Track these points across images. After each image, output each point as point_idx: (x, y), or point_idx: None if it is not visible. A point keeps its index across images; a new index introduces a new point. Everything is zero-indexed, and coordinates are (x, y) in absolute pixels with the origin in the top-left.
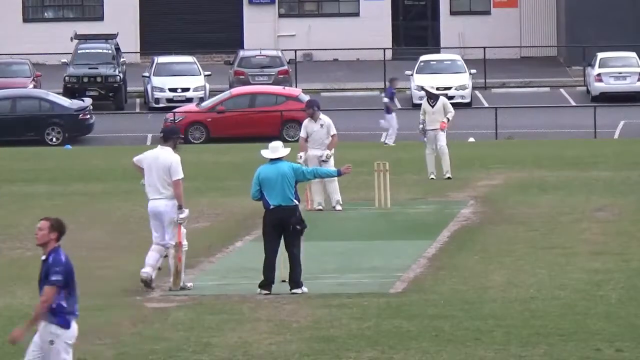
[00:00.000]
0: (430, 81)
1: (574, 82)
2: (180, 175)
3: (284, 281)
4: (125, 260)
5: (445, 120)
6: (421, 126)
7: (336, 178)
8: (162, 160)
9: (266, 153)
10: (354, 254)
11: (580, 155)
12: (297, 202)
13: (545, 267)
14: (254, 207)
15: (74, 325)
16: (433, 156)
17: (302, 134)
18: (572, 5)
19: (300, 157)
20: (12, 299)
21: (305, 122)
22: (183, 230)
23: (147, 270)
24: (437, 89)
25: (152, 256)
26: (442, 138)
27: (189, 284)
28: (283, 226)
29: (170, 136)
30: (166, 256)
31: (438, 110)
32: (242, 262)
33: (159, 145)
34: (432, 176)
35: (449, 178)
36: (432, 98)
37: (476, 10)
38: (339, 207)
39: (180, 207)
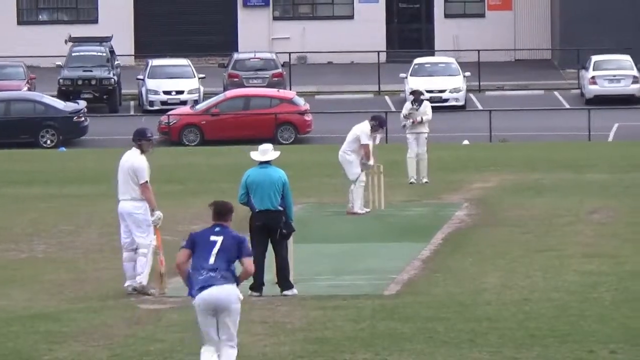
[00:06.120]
0: (422, 84)
1: (568, 84)
2: (144, 178)
3: (277, 283)
4: (119, 262)
5: (420, 119)
6: (404, 118)
7: (363, 185)
8: (127, 162)
9: (255, 155)
10: (349, 256)
11: (575, 157)
12: (282, 208)
13: (539, 269)
14: (248, 209)
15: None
16: (414, 161)
17: (369, 141)
18: (567, 8)
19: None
20: (7, 300)
21: (368, 132)
22: (151, 233)
23: (130, 283)
24: (428, 91)
25: (128, 267)
26: (424, 143)
27: (152, 290)
28: (269, 229)
29: (135, 138)
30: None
31: (421, 113)
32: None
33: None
34: (412, 180)
35: (426, 183)
36: (417, 101)
37: (470, 13)
38: (360, 211)
39: (152, 210)
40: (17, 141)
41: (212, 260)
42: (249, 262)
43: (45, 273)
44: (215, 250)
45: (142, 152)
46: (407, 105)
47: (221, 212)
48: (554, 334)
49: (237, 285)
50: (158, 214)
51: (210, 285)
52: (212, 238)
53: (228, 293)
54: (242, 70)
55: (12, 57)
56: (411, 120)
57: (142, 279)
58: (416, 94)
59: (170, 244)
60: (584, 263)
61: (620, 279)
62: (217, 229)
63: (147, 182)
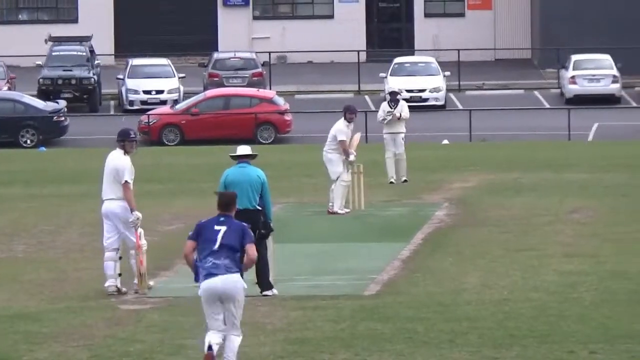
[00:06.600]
0: (402, 84)
1: (548, 84)
2: (125, 178)
3: (257, 283)
4: (100, 262)
5: (399, 114)
6: (383, 117)
7: (344, 185)
8: (111, 162)
9: (232, 152)
10: (328, 256)
11: (554, 157)
12: (260, 207)
13: (519, 269)
14: None
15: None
16: (393, 160)
17: (345, 137)
18: (546, 7)
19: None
20: None
21: (344, 127)
22: (140, 230)
23: (111, 283)
24: (408, 91)
25: (109, 266)
26: (401, 144)
27: (150, 283)
28: None
29: (117, 139)
30: (120, 258)
31: (398, 112)
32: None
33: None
34: (392, 180)
35: (405, 181)
36: (394, 101)
37: (450, 12)
38: (340, 211)
39: (131, 211)
40: None
41: (216, 248)
42: (250, 248)
43: (25, 273)
44: (219, 239)
45: (126, 152)
46: (384, 106)
47: (226, 202)
48: (534, 334)
49: (242, 274)
50: (136, 214)
51: (214, 275)
52: (217, 227)
53: (232, 282)
54: (222, 69)
55: None
56: (391, 116)
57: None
58: (392, 94)
59: (150, 244)
60: (563, 263)
61: (600, 279)
62: (221, 219)
63: (127, 182)
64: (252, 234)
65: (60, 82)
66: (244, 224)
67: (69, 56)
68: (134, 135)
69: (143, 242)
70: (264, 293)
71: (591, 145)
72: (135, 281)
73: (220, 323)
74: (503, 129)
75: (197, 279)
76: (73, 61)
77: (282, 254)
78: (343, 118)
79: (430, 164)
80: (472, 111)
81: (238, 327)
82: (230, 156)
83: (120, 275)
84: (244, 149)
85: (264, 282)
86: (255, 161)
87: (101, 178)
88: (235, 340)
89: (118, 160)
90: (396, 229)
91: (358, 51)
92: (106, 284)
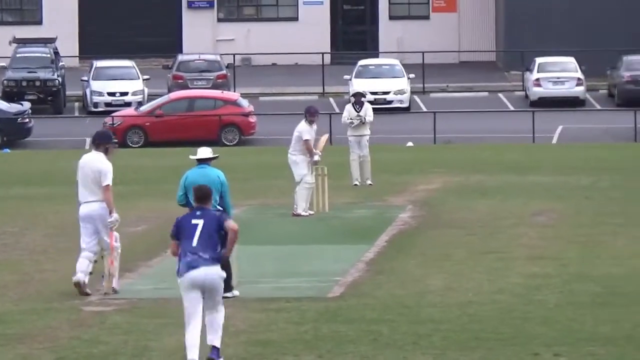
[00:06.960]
0: (366, 86)
1: (513, 87)
2: (108, 181)
3: None
4: (64, 263)
5: (365, 120)
6: (350, 121)
7: (308, 187)
8: (92, 165)
9: (193, 155)
10: (292, 258)
11: (519, 159)
12: (220, 208)
13: (483, 272)
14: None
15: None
16: (357, 163)
17: (309, 136)
18: (511, 10)
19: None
20: None
21: (308, 127)
22: (115, 234)
23: (79, 276)
24: (372, 93)
25: (82, 262)
26: (366, 146)
27: (116, 287)
28: None
29: (100, 142)
30: (96, 261)
31: (362, 115)
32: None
33: (93, 150)
34: (356, 182)
35: (370, 185)
36: (358, 103)
37: (415, 15)
38: (304, 213)
39: (110, 212)
40: None
41: (195, 243)
42: (229, 223)
43: None
44: (197, 233)
45: (106, 155)
46: (350, 109)
47: (202, 196)
48: (498, 336)
49: (225, 257)
50: (115, 216)
51: (196, 267)
52: (194, 222)
53: (212, 274)
54: (187, 71)
55: None
56: (359, 121)
57: (115, 283)
58: (357, 95)
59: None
60: (528, 265)
61: (564, 282)
62: (198, 212)
63: (109, 184)
64: (226, 216)
65: (24, 83)
66: (218, 212)
67: (34, 58)
68: (115, 139)
69: (117, 244)
70: (224, 295)
71: (556, 148)
72: (78, 275)
73: (198, 310)
74: (467, 131)
75: (178, 271)
76: (37, 63)
77: (245, 256)
78: (304, 120)
79: (394, 167)
80: (436, 113)
81: (220, 305)
82: (191, 158)
83: (91, 273)
84: (204, 152)
85: (225, 284)
86: (219, 163)
87: (75, 180)
88: (219, 315)
89: (100, 164)
90: (360, 231)
91: (322, 53)
92: (75, 277)
